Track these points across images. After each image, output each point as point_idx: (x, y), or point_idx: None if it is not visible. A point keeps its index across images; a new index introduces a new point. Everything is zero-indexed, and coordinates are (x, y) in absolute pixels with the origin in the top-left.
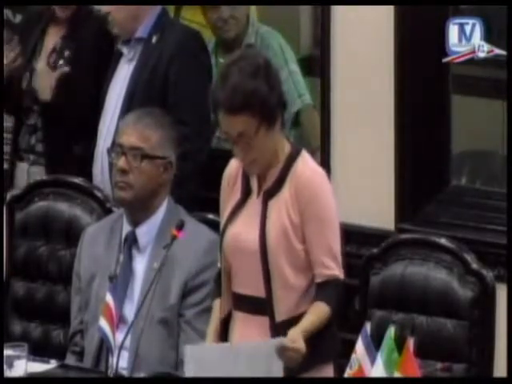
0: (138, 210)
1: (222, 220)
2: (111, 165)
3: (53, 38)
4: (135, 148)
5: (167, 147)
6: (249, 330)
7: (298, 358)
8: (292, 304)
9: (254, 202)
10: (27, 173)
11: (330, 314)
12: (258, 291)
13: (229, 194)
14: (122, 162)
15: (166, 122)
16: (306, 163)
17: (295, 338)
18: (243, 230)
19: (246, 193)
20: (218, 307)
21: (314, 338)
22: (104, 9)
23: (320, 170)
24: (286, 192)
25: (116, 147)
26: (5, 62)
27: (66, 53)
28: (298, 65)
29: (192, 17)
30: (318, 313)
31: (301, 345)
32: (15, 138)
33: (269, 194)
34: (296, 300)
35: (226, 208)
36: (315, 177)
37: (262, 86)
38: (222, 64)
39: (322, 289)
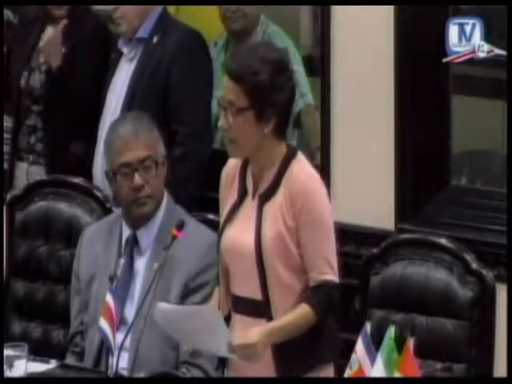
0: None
1: (221, 220)
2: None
3: None
4: (145, 159)
5: (161, 143)
6: (248, 333)
7: (253, 353)
8: (289, 306)
9: (250, 205)
10: (27, 173)
11: (314, 317)
12: (255, 294)
13: (226, 194)
14: (137, 179)
15: (150, 120)
16: (302, 167)
17: (249, 334)
18: (239, 233)
19: (243, 194)
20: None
21: (315, 339)
22: (111, 6)
23: (315, 175)
24: (280, 196)
25: (121, 168)
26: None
27: (63, 49)
28: (303, 66)
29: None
30: (296, 313)
31: (252, 339)
32: (15, 137)
33: (264, 198)
34: (293, 302)
35: (225, 208)
36: (310, 182)
37: (265, 74)
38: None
39: (312, 293)
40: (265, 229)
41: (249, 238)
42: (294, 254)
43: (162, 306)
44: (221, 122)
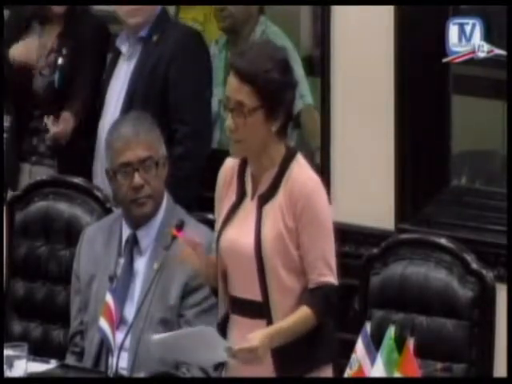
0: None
1: (218, 221)
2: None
3: (49, 39)
4: (146, 159)
5: (162, 144)
6: (246, 334)
7: (254, 357)
8: (289, 307)
9: (249, 206)
10: (29, 173)
11: (314, 319)
12: (255, 295)
13: (224, 194)
14: (137, 179)
15: (151, 120)
16: (302, 168)
17: (250, 338)
18: (239, 234)
19: (241, 195)
20: None
21: (314, 341)
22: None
23: (315, 177)
24: (280, 197)
25: (122, 168)
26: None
27: (64, 50)
28: (303, 66)
29: (185, 14)
30: (296, 315)
31: (253, 342)
32: (17, 138)
33: (263, 199)
34: (293, 303)
35: (222, 209)
36: (311, 184)
37: (276, 73)
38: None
39: (311, 294)
40: (265, 229)
41: (248, 239)
42: (294, 255)
43: (156, 337)
44: (228, 123)
